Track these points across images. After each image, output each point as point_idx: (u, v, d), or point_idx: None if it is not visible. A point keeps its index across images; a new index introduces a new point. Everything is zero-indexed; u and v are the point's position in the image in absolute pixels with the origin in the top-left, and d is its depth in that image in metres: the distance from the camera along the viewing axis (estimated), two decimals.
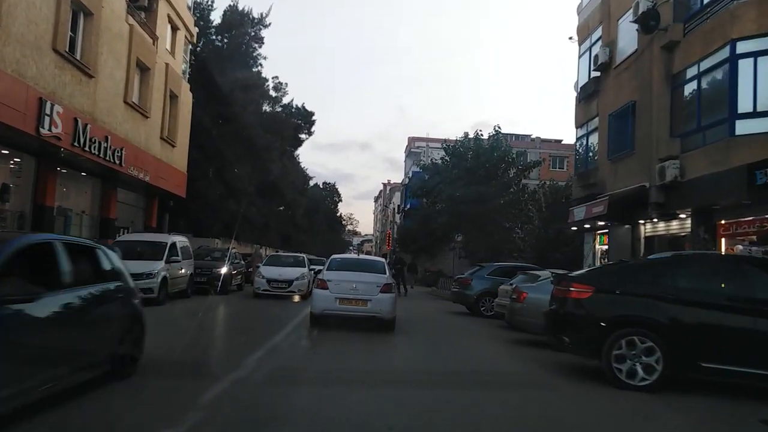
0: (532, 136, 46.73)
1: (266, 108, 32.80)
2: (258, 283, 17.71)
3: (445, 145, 27.04)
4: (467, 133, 26.61)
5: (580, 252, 35.76)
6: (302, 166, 49.58)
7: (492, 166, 25.80)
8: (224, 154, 29.68)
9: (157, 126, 21.36)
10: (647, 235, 17.09)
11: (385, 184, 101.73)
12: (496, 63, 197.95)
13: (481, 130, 25.58)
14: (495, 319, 14.11)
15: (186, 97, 24.81)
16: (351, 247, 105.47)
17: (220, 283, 17.54)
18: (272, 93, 41.54)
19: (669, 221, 15.31)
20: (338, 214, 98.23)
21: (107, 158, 16.00)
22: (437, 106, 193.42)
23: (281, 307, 15.53)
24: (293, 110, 40.10)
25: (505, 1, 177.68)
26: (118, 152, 16.64)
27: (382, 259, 14.63)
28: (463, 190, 24.94)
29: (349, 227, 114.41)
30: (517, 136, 44.23)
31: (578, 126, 20.72)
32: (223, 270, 18.18)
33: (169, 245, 14.63)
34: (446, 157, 27.12)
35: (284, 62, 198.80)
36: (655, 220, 15.78)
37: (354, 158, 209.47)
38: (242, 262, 22.96)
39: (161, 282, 13.45)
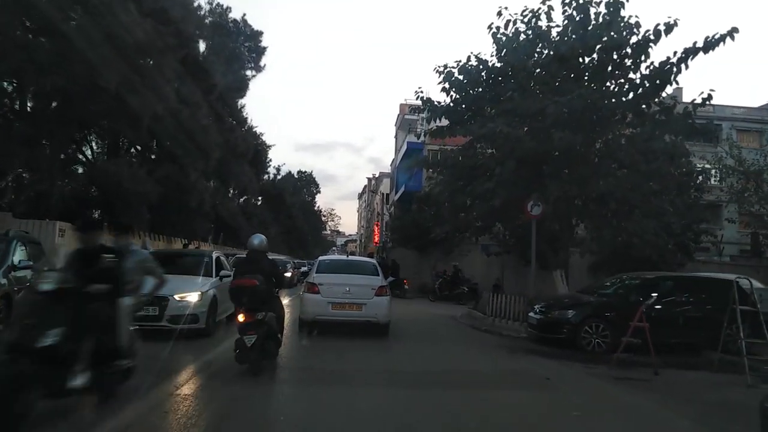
0: None
1: None
2: None
3: (495, 29, 12.92)
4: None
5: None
6: (255, 130, 35.13)
7: (610, 53, 11.81)
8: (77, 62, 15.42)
9: None
10: None
11: (369, 179, 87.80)
12: None
13: None
14: None
15: None
16: (334, 248, 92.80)
17: None
18: (207, 18, 27.32)
19: None
20: (316, 207, 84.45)
21: None
22: None
23: None
24: (230, 27, 25.79)
25: None
26: None
27: (373, 260, 13.47)
28: (555, 99, 10.88)
29: (330, 224, 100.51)
30: None
31: None
32: None
33: None
34: (499, 53, 13.03)
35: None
36: None
37: (338, 159, 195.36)
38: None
39: None
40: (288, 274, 20.11)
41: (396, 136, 54.11)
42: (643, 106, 11.81)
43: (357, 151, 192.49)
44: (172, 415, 4.92)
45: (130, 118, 17.42)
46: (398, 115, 52.50)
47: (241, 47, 26.70)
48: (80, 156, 23.38)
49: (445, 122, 14.69)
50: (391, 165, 57.91)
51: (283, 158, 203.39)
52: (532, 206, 12.46)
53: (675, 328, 10.08)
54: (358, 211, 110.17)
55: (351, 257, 14.30)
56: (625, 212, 12.56)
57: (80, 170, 23.40)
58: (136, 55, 15.59)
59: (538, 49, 12.93)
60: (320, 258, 12.48)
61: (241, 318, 6.57)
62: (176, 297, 8.45)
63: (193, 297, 8.62)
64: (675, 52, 11.80)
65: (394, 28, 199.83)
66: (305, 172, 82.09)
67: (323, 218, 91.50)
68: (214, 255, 10.29)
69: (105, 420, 4.50)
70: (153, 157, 24.73)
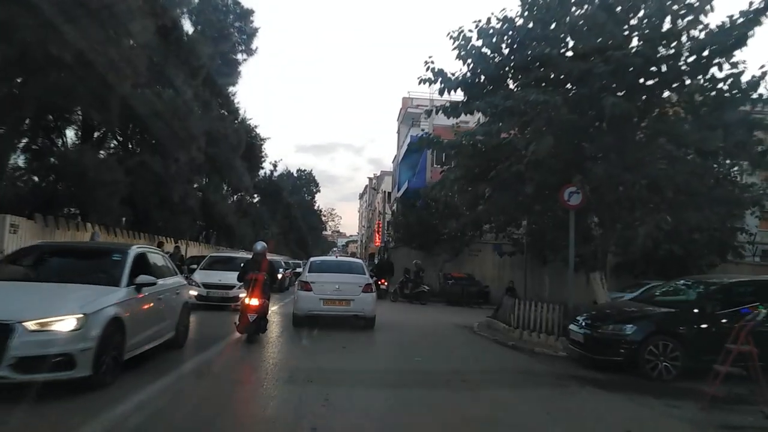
0: None
1: None
2: None
3: None
4: None
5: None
6: (248, 122, 32.84)
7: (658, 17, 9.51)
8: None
9: None
10: None
11: (371, 178, 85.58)
12: None
13: None
14: None
15: None
16: (335, 248, 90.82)
17: None
18: None
19: None
20: (316, 207, 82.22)
21: None
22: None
23: None
24: (218, 4, 23.53)
25: None
26: None
27: (360, 260, 14.99)
28: (607, 54, 8.60)
29: (331, 224, 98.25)
30: None
31: None
32: None
33: None
34: (529, 10, 10.72)
35: (263, 61, 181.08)
36: None
37: (339, 160, 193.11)
38: None
39: None
40: (279, 276, 18.06)
41: (398, 131, 51.82)
42: (713, 68, 9.43)
43: (358, 152, 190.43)
44: None
45: (96, 98, 15.15)
46: (400, 110, 50.31)
47: (231, 27, 24.44)
48: (54, 147, 21.21)
49: (459, 99, 12.42)
50: (393, 162, 55.61)
51: (285, 160, 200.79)
52: (570, 194, 10.18)
53: (762, 349, 7.78)
54: (359, 212, 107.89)
55: (340, 258, 15.74)
56: (683, 201, 10.23)
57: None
58: (100, 18, 13.28)
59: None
60: (312, 259, 13.52)
61: (247, 300, 8.90)
62: (30, 325, 4.65)
63: (64, 324, 4.80)
64: (751, 2, 9.52)
65: (394, 27, 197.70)
66: (304, 170, 79.87)
67: (323, 218, 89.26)
68: (132, 251, 6.47)
69: None
70: (138, 150, 22.55)
